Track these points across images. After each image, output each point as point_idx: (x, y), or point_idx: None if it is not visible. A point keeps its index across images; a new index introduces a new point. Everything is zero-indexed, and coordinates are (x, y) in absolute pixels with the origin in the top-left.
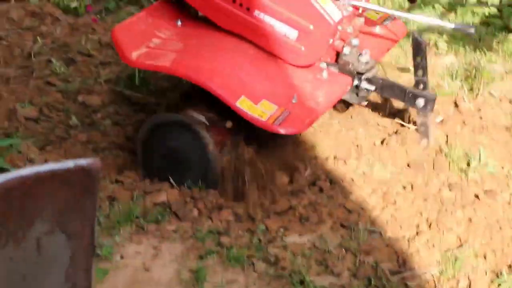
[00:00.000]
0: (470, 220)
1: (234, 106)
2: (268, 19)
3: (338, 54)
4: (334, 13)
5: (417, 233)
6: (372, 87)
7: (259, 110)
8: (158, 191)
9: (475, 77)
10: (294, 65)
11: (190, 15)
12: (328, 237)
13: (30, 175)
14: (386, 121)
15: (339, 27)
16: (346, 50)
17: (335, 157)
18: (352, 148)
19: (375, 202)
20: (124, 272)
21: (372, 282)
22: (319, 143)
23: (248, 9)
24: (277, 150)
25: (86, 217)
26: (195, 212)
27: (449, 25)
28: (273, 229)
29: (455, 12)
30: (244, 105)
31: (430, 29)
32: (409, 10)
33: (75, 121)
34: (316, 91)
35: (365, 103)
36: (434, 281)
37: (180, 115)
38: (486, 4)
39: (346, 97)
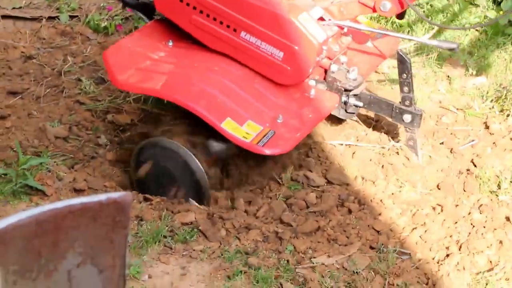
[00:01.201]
0: (501, 242)
1: (219, 128)
2: (254, 40)
3: (326, 72)
4: (318, 34)
5: (447, 255)
6: (360, 103)
7: (243, 131)
8: (186, 211)
9: (506, 97)
10: (281, 84)
11: (183, 35)
12: (356, 258)
13: (62, 208)
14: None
15: (324, 47)
16: (334, 67)
17: (363, 178)
18: (378, 169)
19: (404, 224)
20: None
21: None
22: (347, 163)
23: (235, 30)
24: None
25: (117, 250)
26: (223, 232)
27: (432, 42)
28: (301, 250)
29: (486, 33)
30: (229, 127)
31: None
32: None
33: (104, 140)
34: (302, 110)
35: (355, 118)
36: None
37: (167, 139)
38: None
39: (335, 112)
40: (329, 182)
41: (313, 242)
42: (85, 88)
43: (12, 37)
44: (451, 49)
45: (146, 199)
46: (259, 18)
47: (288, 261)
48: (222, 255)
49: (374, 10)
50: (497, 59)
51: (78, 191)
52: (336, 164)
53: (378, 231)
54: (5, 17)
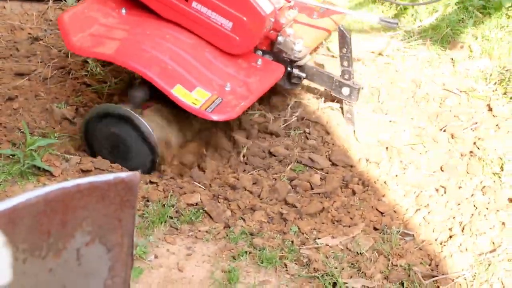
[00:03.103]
0: (503, 224)
1: (169, 93)
2: (205, 10)
3: (273, 43)
4: (266, 6)
5: (450, 236)
6: (303, 74)
7: (193, 97)
8: (191, 192)
9: (509, 80)
10: (230, 54)
11: (136, 3)
12: (360, 239)
13: (70, 188)
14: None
15: (271, 19)
16: (280, 39)
17: (367, 160)
18: (382, 151)
19: (408, 205)
20: (158, 271)
21: (405, 285)
22: (351, 145)
23: (186, 0)
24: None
25: (124, 229)
26: (228, 213)
27: (373, 18)
28: (305, 231)
29: (490, 16)
30: (179, 93)
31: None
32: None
33: None
34: (249, 79)
35: (298, 88)
36: (467, 285)
37: (117, 105)
38: None
39: (281, 82)
40: (333, 164)
41: (317, 223)
42: (92, 70)
43: (19, 18)
44: (392, 27)
45: (151, 182)
46: None
47: (292, 241)
48: (227, 235)
49: None
50: (501, 42)
51: (85, 172)
52: (340, 146)
53: (381, 213)
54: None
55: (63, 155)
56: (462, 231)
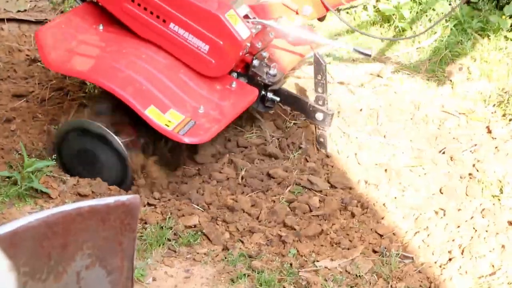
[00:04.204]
0: (503, 246)
1: (142, 114)
2: (182, 32)
3: (248, 66)
4: (243, 31)
5: (449, 259)
6: (277, 98)
7: (166, 119)
8: (190, 214)
9: (508, 102)
10: (205, 76)
11: (114, 20)
12: (359, 262)
13: (71, 211)
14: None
15: (247, 43)
16: (255, 62)
17: (366, 182)
18: (382, 173)
19: (407, 227)
20: None
21: None
22: (350, 167)
23: (164, 21)
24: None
25: (125, 253)
26: (227, 235)
27: (348, 47)
28: (304, 253)
29: (489, 38)
30: (152, 114)
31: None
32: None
33: None
34: (223, 102)
35: (272, 111)
36: None
37: (89, 121)
38: None
39: (253, 105)
40: (332, 186)
41: (316, 246)
42: (89, 91)
43: (17, 40)
44: (366, 55)
45: (149, 204)
46: (189, 12)
47: (291, 264)
48: (225, 258)
49: (297, 13)
50: (500, 64)
51: (83, 196)
52: (340, 168)
53: (381, 235)
54: (10, 20)
55: (61, 177)
56: (462, 253)
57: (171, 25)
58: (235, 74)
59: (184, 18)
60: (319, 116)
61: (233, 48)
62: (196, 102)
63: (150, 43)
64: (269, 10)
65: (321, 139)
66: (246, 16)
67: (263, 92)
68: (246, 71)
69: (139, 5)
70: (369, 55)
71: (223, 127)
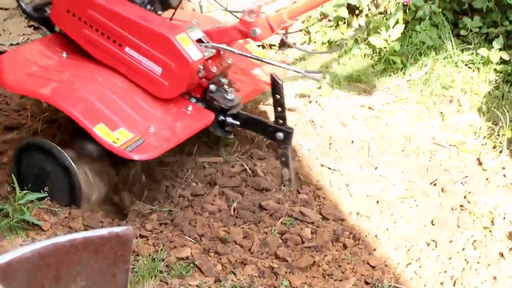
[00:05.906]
0: (495, 278)
1: (91, 131)
2: (137, 56)
3: (206, 91)
4: (193, 53)
5: None
6: (237, 122)
7: (114, 136)
8: (182, 246)
9: (498, 134)
10: (160, 98)
11: (79, 49)
12: None
13: (64, 242)
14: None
15: (200, 66)
16: (212, 87)
17: (358, 213)
18: (373, 204)
19: (399, 259)
20: None
21: None
22: (342, 199)
23: (120, 45)
24: None
25: (118, 284)
26: (219, 267)
27: (299, 71)
28: (297, 285)
29: (478, 71)
30: (101, 131)
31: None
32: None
33: None
34: (176, 123)
35: (232, 136)
36: None
37: (41, 139)
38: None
39: (211, 129)
40: (324, 218)
41: (309, 277)
42: None
43: None
44: (316, 79)
45: (142, 236)
46: (142, 36)
47: None
48: None
49: (247, 36)
50: (490, 96)
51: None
52: (332, 200)
53: (373, 266)
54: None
55: (52, 209)
56: (454, 285)
57: (127, 48)
58: (194, 100)
59: (139, 42)
60: (279, 135)
61: (184, 70)
62: (147, 122)
63: (108, 68)
64: (224, 35)
65: (283, 158)
66: (199, 40)
67: (222, 117)
68: (204, 96)
69: (97, 30)
70: (318, 80)
71: (172, 146)
